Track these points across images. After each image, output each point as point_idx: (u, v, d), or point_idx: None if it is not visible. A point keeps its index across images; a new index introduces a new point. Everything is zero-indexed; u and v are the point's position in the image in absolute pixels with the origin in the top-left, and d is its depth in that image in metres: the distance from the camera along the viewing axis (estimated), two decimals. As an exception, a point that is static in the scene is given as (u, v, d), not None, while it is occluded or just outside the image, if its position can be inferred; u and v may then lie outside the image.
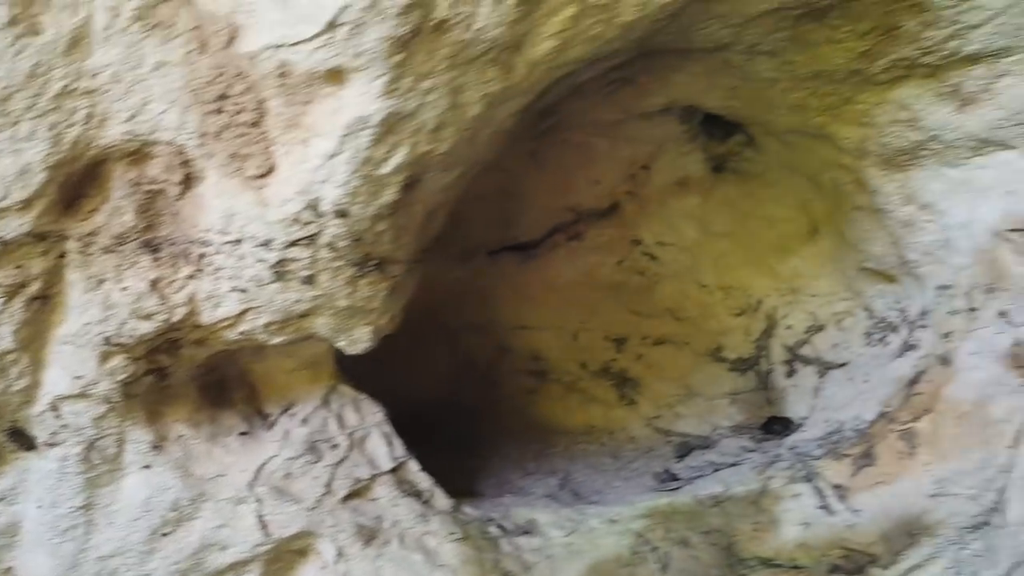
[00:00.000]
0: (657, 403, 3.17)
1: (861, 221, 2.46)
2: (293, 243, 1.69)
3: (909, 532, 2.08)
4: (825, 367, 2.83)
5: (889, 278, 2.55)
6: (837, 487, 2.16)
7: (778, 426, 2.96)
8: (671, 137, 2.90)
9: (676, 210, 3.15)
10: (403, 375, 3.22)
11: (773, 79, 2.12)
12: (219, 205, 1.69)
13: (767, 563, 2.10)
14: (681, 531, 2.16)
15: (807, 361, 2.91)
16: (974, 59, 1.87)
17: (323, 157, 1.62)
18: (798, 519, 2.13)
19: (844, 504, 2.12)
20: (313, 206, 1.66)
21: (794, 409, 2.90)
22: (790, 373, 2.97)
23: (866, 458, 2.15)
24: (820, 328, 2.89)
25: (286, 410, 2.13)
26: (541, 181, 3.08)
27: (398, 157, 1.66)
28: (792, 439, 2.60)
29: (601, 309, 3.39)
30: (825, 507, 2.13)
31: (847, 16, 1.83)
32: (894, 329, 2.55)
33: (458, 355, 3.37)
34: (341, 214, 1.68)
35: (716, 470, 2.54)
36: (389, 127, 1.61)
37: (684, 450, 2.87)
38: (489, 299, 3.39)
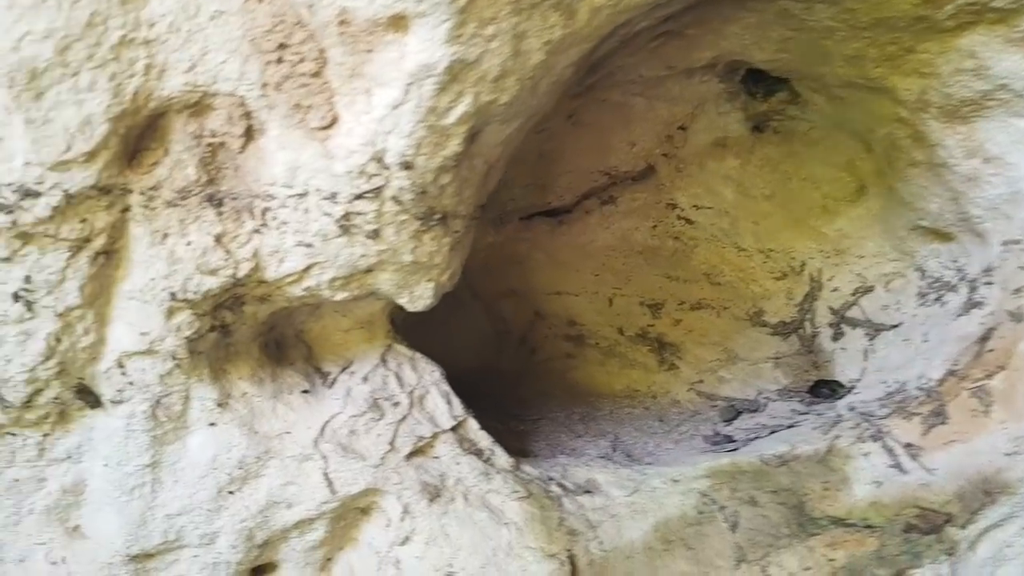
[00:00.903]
0: (698, 367, 3.15)
1: (917, 177, 2.42)
2: (359, 196, 1.67)
3: (986, 491, 2.05)
4: (875, 329, 2.80)
5: (945, 236, 2.51)
6: (908, 446, 2.14)
7: (826, 389, 2.94)
8: (710, 96, 2.86)
9: (714, 172, 3.11)
10: (440, 342, 3.21)
11: (831, 28, 2.07)
12: (283, 158, 1.67)
13: (839, 522, 2.08)
14: (748, 490, 2.14)
15: (855, 323, 2.88)
16: (1048, 1, 1.82)
17: (387, 107, 1.60)
18: (869, 478, 2.10)
19: (916, 463, 2.09)
20: (378, 158, 1.64)
21: (843, 372, 2.88)
22: (837, 336, 2.94)
23: (937, 416, 2.13)
24: (868, 290, 2.86)
25: (345, 368, 2.12)
26: (578, 143, 3.05)
27: (462, 106, 1.63)
28: (847, 401, 2.57)
29: (636, 274, 3.37)
30: (897, 466, 2.11)
31: (917, -42, 1.79)
32: (951, 288, 2.51)
33: (494, 321, 3.36)
34: (406, 166, 1.65)
35: (773, 432, 2.51)
36: (454, 75, 1.58)
37: (731, 413, 2.86)
38: (523, 265, 3.38)
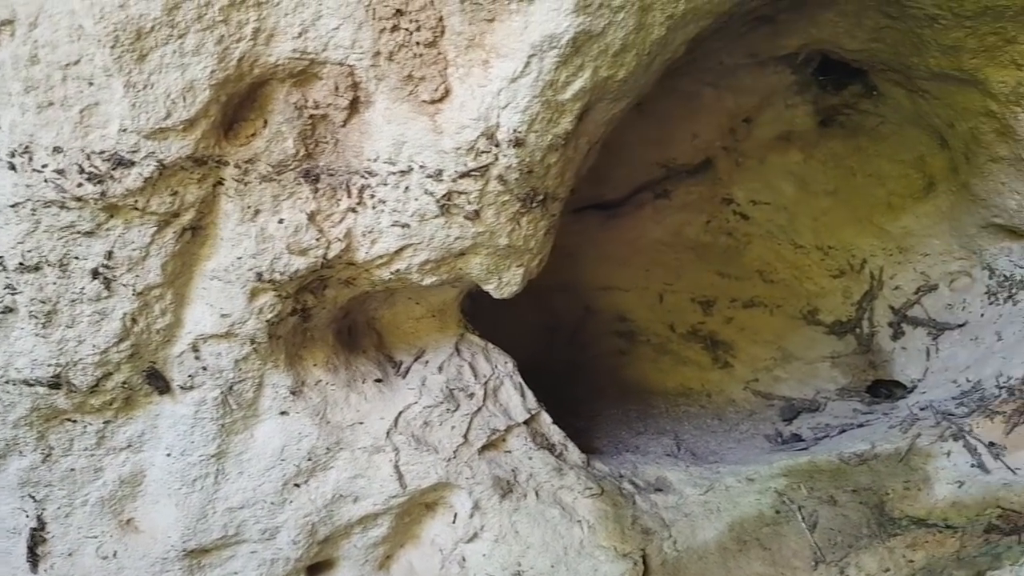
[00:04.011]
0: (753, 366, 3.09)
1: (998, 173, 2.37)
2: (465, 174, 1.59)
3: (1073, 493, 2.00)
4: (939, 328, 2.75)
5: (1019, 234, 2.46)
6: (991, 445, 2.08)
7: (884, 389, 2.88)
8: (781, 87, 2.80)
9: (775, 166, 3.06)
10: (491, 335, 3.14)
11: (934, 16, 2.02)
12: (389, 132, 1.58)
13: (919, 523, 2.02)
14: (827, 489, 2.09)
15: (917, 323, 2.83)
16: None
17: (505, 80, 1.52)
18: (952, 477, 2.05)
19: (1000, 462, 2.04)
20: (490, 134, 1.56)
21: (904, 372, 2.83)
22: (897, 335, 2.89)
23: (1021, 415, 2.07)
24: (932, 288, 2.81)
25: (417, 357, 2.04)
26: (641, 132, 2.98)
27: (580, 81, 1.56)
28: (914, 400, 2.52)
29: (687, 271, 3.31)
30: (979, 465, 2.05)
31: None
32: (1021, 286, 2.47)
33: (545, 315, 3.28)
34: (517, 143, 1.58)
35: (842, 431, 2.45)
36: (577, 47, 1.51)
37: (791, 412, 2.80)
38: (573, 258, 3.30)
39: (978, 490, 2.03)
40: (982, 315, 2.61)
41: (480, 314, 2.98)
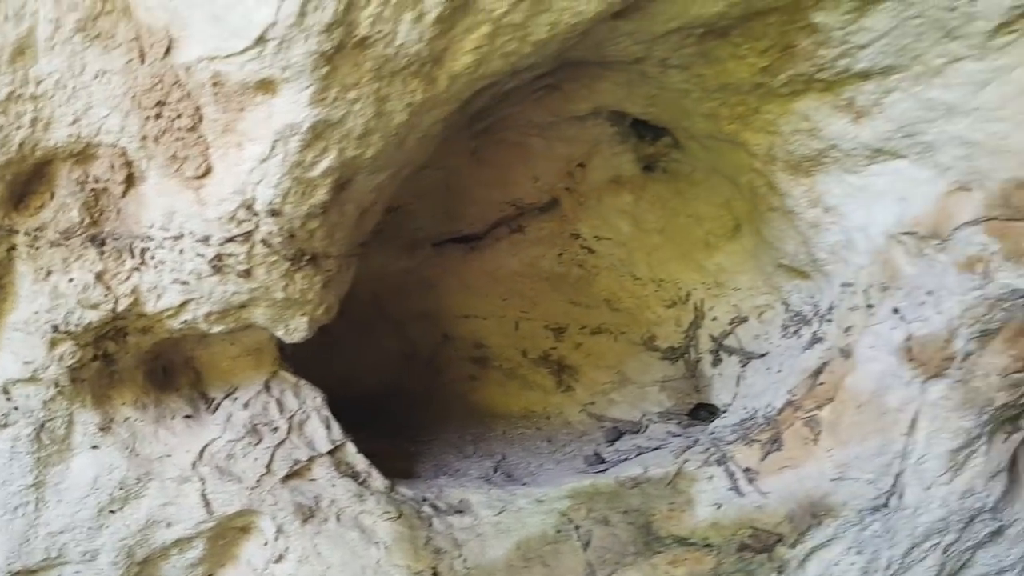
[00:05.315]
0: (592, 390, 3.34)
1: (775, 221, 2.63)
2: (230, 239, 1.82)
3: (813, 513, 2.26)
4: (747, 357, 3.01)
5: (803, 274, 2.73)
6: (747, 470, 2.34)
7: (704, 412, 3.15)
8: (604, 138, 3.05)
9: (611, 206, 3.31)
10: (351, 362, 3.36)
11: (686, 90, 2.27)
12: (161, 203, 1.81)
13: (681, 541, 2.27)
14: (603, 510, 2.33)
15: (731, 351, 3.09)
16: (864, 75, 2.03)
17: (256, 160, 1.75)
18: (711, 500, 2.30)
19: (753, 486, 2.30)
20: (248, 205, 1.79)
21: (719, 397, 3.09)
22: (716, 362, 3.15)
23: (774, 443, 2.33)
24: (743, 320, 3.07)
25: (229, 394, 2.26)
26: (482, 177, 3.22)
27: (327, 161, 1.79)
28: (714, 424, 2.78)
29: (542, 299, 3.55)
30: (735, 489, 2.31)
31: (747, 35, 1.99)
32: (807, 322, 2.74)
33: (404, 343, 3.51)
34: (274, 213, 1.81)
35: (640, 453, 2.70)
36: (317, 133, 1.74)
37: (615, 435, 3.05)
38: (435, 289, 3.53)
39: (734, 512, 2.29)
40: (779, 346, 2.87)
41: (339, 343, 3.21)
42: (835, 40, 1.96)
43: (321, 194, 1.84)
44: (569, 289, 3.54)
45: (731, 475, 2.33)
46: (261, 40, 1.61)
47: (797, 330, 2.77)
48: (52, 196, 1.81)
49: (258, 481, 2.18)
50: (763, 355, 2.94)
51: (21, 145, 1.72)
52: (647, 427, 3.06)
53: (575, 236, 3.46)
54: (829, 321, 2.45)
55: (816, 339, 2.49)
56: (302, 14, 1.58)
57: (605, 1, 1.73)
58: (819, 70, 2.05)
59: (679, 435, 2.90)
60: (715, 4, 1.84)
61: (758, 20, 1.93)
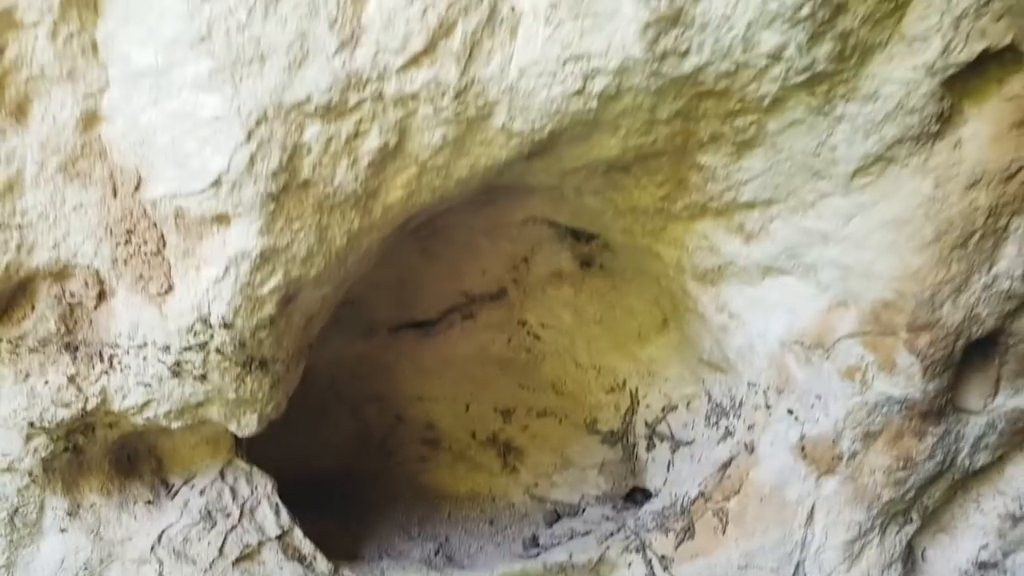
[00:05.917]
0: (536, 472, 3.56)
1: (693, 322, 2.91)
2: (188, 348, 2.08)
3: (723, 601, 2.47)
4: (676, 444, 3.25)
5: (721, 369, 2.99)
6: (663, 557, 2.56)
7: (640, 495, 3.37)
8: (543, 238, 3.34)
9: (554, 297, 3.57)
10: (307, 444, 3.57)
11: (601, 210, 2.57)
12: (128, 316, 2.06)
13: (603, 624, 2.48)
14: (529, 595, 2.54)
15: (663, 437, 3.33)
16: (750, 205, 2.33)
17: (212, 281, 2.02)
18: (630, 586, 2.52)
19: (667, 573, 2.51)
20: (204, 319, 2.05)
21: (652, 481, 3.32)
22: (649, 447, 3.39)
23: (687, 532, 2.56)
24: (673, 408, 3.33)
25: (187, 481, 2.48)
26: (434, 271, 3.49)
27: (274, 280, 2.06)
28: (643, 510, 3.00)
29: (491, 382, 3.79)
30: (651, 575, 2.52)
31: (645, 170, 2.29)
32: (725, 414, 2.99)
33: (359, 424, 3.73)
34: (227, 325, 2.07)
35: (571, 538, 2.92)
36: (266, 258, 2.01)
37: (554, 517, 3.26)
38: (389, 372, 3.77)
39: (650, 597, 2.51)
40: (703, 435, 3.12)
41: (296, 425, 3.42)
42: (720, 177, 2.26)
43: (269, 308, 2.10)
44: (517, 373, 3.78)
45: (648, 562, 2.54)
46: (217, 183, 1.90)
47: (717, 421, 3.02)
48: (33, 308, 2.06)
49: (211, 564, 2.39)
50: (690, 443, 3.18)
51: (7, 267, 1.98)
52: (584, 510, 3.28)
53: (522, 323, 3.72)
54: (738, 417, 2.70)
55: (728, 433, 2.74)
56: (251, 162, 1.87)
57: (515, 149, 2.03)
58: (710, 199, 2.34)
59: (611, 519, 3.11)
60: (612, 149, 2.14)
61: (653, 159, 2.23)
